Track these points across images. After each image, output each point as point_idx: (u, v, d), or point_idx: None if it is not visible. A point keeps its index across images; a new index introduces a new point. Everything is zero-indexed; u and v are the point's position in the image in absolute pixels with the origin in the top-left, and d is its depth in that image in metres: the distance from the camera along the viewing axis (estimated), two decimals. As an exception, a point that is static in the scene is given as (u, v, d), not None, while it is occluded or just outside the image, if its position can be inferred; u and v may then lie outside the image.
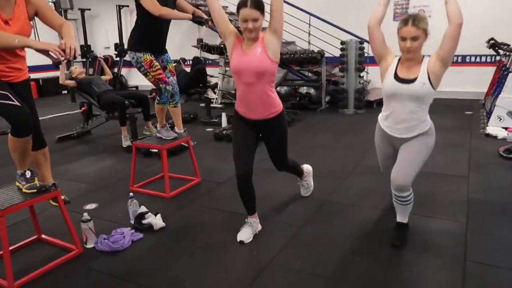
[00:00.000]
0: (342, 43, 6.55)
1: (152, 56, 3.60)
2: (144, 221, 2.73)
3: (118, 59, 10.12)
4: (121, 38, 10.24)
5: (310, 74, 7.36)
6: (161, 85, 3.69)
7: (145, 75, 3.66)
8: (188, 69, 6.98)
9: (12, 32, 2.20)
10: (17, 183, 2.43)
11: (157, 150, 4.10)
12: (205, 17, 3.51)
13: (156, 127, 3.96)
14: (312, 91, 7.30)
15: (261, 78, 2.30)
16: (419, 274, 2.14)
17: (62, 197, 2.79)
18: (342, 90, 6.64)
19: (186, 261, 2.37)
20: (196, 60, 6.81)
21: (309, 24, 7.27)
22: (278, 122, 2.49)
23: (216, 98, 7.46)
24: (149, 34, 3.55)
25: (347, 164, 3.96)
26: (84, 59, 9.36)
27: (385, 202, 2.95)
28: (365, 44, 6.43)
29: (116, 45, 10.34)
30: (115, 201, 3.26)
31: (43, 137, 2.73)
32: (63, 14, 9.64)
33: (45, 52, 2.09)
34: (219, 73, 7.91)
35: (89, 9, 10.85)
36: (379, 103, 3.91)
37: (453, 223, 2.69)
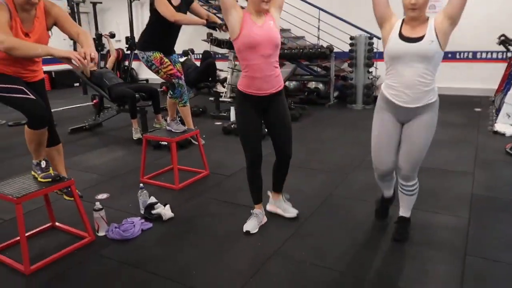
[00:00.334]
0: (352, 38, 6.55)
1: (161, 54, 3.68)
2: (154, 211, 2.82)
3: (128, 52, 10.22)
4: (132, 31, 10.33)
5: (319, 69, 7.38)
6: (173, 80, 3.77)
7: (157, 72, 3.75)
8: (197, 63, 7.06)
9: (31, 41, 2.30)
10: (32, 173, 2.54)
11: (166, 143, 4.19)
12: (219, 21, 3.56)
13: (166, 120, 4.06)
14: (320, 86, 7.33)
15: (277, 49, 2.39)
16: (419, 267, 2.19)
17: (77, 192, 2.91)
18: (351, 85, 6.66)
19: (194, 250, 2.45)
20: (206, 54, 6.88)
21: (319, 19, 7.27)
22: (282, 97, 2.55)
23: (225, 92, 7.52)
24: (161, 37, 3.65)
25: (353, 159, 4.01)
26: (96, 52, 9.48)
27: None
28: (375, 40, 6.43)
29: (127, 38, 10.44)
30: (126, 192, 3.36)
31: (57, 133, 2.83)
32: (75, 7, 9.76)
33: (66, 60, 2.18)
34: (229, 67, 7.96)
35: (101, 3, 10.96)
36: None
37: (456, 218, 2.73)
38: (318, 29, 7.32)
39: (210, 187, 3.47)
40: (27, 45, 2.20)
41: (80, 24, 10.03)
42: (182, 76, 3.93)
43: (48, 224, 2.76)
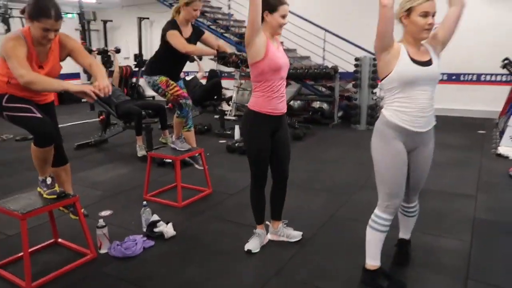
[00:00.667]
0: (356, 59, 6.63)
1: (167, 77, 3.78)
2: (156, 229, 2.84)
3: (136, 69, 10.40)
4: (141, 49, 10.53)
5: (323, 89, 7.46)
6: (181, 101, 3.84)
7: (164, 95, 3.83)
8: (203, 81, 7.17)
9: (43, 73, 2.39)
10: (38, 189, 2.58)
11: (171, 160, 4.23)
12: (229, 50, 3.65)
13: (172, 136, 4.11)
14: (325, 106, 7.38)
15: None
16: (420, 291, 2.18)
17: (82, 210, 2.94)
18: (355, 105, 6.71)
19: (195, 269, 2.46)
20: (212, 73, 7.00)
21: (324, 40, 7.39)
22: (286, 117, 2.66)
23: (230, 110, 7.60)
24: (171, 65, 3.75)
25: (357, 179, 4.02)
26: (104, 68, 9.65)
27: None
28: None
29: (135, 55, 10.64)
30: (129, 209, 3.39)
31: (65, 154, 2.88)
32: (86, 24, 10.01)
33: (82, 94, 2.26)
34: (234, 86, 8.07)
35: (111, 21, 11.22)
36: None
37: (458, 241, 2.72)
38: (324, 49, 7.43)
39: (213, 206, 3.49)
40: (45, 80, 2.29)
41: (90, 41, 10.27)
42: (189, 97, 4.00)
43: (51, 240, 2.79)
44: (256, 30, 2.27)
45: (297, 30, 6.84)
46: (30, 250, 2.38)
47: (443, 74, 7.52)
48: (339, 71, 6.89)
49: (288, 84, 6.89)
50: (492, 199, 3.47)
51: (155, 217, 2.93)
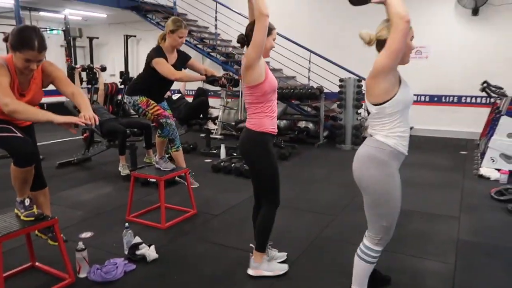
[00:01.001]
0: (341, 80, 6.74)
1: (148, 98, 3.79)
2: (138, 252, 2.77)
3: (122, 86, 10.35)
4: (127, 66, 10.52)
5: (309, 109, 7.53)
6: (161, 120, 3.83)
7: (144, 115, 3.84)
8: (190, 99, 7.15)
9: (25, 100, 2.36)
10: (15, 210, 2.49)
11: (155, 180, 4.17)
12: (217, 75, 3.68)
13: (155, 156, 4.07)
14: (310, 125, 7.44)
15: None
16: (406, 315, 2.17)
17: (61, 235, 2.85)
18: (340, 125, 6.78)
19: (177, 294, 2.39)
20: (199, 91, 6.98)
21: (309, 61, 7.50)
22: None
23: (216, 129, 7.59)
24: (156, 88, 3.78)
25: (342, 199, 4.02)
26: (90, 86, 9.56)
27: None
28: (363, 82, 6.63)
29: (121, 73, 10.61)
30: (111, 230, 3.31)
31: (44, 177, 2.80)
32: (71, 41, 9.95)
33: (66, 125, 2.23)
34: (220, 105, 8.09)
35: (97, 38, 11.20)
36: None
37: (442, 264, 2.72)
38: (309, 70, 7.53)
39: (197, 227, 3.43)
40: (30, 110, 2.26)
41: (75, 57, 10.20)
42: (170, 116, 3.99)
43: (28, 264, 2.69)
44: (261, 52, 2.32)
45: (283, 50, 6.93)
46: (5, 274, 2.29)
47: (425, 95, 7.72)
48: (324, 91, 6.98)
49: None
50: (474, 220, 3.51)
51: (137, 240, 2.86)
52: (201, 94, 6.86)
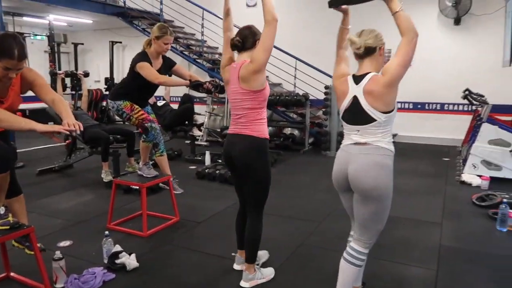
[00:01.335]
0: (326, 87, 6.78)
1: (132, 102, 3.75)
2: (118, 261, 2.71)
3: (107, 92, 10.25)
4: (112, 72, 10.43)
5: (294, 116, 7.55)
6: (146, 124, 3.79)
7: (129, 119, 3.80)
8: (175, 105, 7.10)
9: (3, 107, 2.31)
10: (-10, 219, 2.42)
11: (137, 187, 4.10)
12: (202, 80, 3.66)
13: (138, 163, 4.01)
14: (296, 132, 7.46)
15: None
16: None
17: (38, 245, 2.77)
18: (325, 132, 6.81)
19: (157, 304, 2.34)
20: (185, 97, 6.94)
21: (295, 68, 7.54)
22: None
23: (202, 136, 7.55)
24: (138, 93, 3.75)
25: (326, 206, 4.01)
26: (74, 92, 9.44)
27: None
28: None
29: (106, 79, 10.50)
30: (91, 239, 3.23)
31: (18, 184, 2.73)
32: (56, 47, 9.82)
33: (49, 134, 2.19)
34: (206, 111, 8.06)
35: (82, 44, 11.09)
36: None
37: (425, 270, 2.73)
38: (295, 77, 7.57)
39: (179, 235, 3.38)
40: (11, 118, 2.21)
41: (59, 63, 10.07)
42: (155, 121, 3.96)
43: (2, 275, 2.59)
44: (269, 56, 2.31)
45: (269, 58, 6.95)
46: (-23, 286, 2.21)
47: (409, 102, 7.83)
48: (310, 98, 7.02)
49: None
50: (456, 226, 3.54)
51: (118, 248, 2.80)
52: (186, 101, 6.81)
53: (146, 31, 8.70)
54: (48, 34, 9.60)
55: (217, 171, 5.05)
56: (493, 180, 4.67)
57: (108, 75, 10.45)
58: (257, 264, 2.63)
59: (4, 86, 2.34)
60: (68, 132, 2.21)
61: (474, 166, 4.96)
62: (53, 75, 6.69)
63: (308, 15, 8.38)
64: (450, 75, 7.36)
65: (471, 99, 5.90)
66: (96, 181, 4.92)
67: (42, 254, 2.59)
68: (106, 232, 2.88)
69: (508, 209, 3.38)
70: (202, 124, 7.60)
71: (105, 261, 2.77)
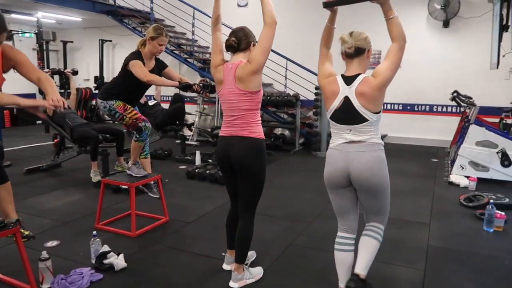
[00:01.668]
0: (317, 88, 6.81)
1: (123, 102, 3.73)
2: (106, 261, 2.68)
3: (97, 91, 10.15)
4: (102, 71, 10.35)
5: (285, 116, 7.57)
6: (140, 124, 3.77)
7: (122, 119, 3.77)
8: (166, 105, 7.06)
9: None
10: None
11: (126, 187, 4.07)
12: (191, 82, 3.65)
13: (128, 163, 3.98)
14: (286, 132, 7.47)
15: None
16: (376, 322, 2.17)
17: (27, 232, 2.74)
18: (316, 133, 6.84)
19: (145, 304, 2.32)
20: (176, 97, 6.91)
21: (286, 68, 7.56)
22: None
23: (192, 135, 7.52)
24: (129, 93, 3.72)
25: (315, 207, 4.03)
26: (63, 90, 9.33)
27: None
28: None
29: (95, 78, 10.41)
30: (78, 239, 3.19)
31: (4, 171, 2.68)
32: (44, 44, 9.70)
33: (33, 109, 2.15)
34: (197, 111, 8.03)
35: (72, 42, 10.97)
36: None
37: (412, 270, 2.75)
38: (285, 78, 7.59)
39: (168, 235, 3.36)
40: None
41: (48, 61, 9.94)
42: (148, 120, 3.94)
43: (-13, 275, 2.56)
44: (267, 57, 2.32)
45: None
46: (-39, 287, 2.17)
47: (398, 104, 7.90)
48: (301, 98, 7.04)
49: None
50: (444, 226, 3.57)
51: (106, 248, 2.78)
52: (177, 100, 6.78)
53: (136, 29, 8.64)
54: (36, 31, 9.46)
55: (207, 171, 5.04)
56: (480, 181, 4.74)
57: (97, 74, 10.36)
58: (246, 264, 2.63)
59: None
60: (53, 107, 2.15)
61: (462, 167, 5.02)
62: None
63: (299, 16, 8.40)
64: (439, 77, 7.45)
65: (459, 101, 5.96)
66: (85, 181, 4.87)
67: (31, 240, 2.59)
68: (94, 232, 2.85)
69: (494, 210, 3.43)
70: (192, 124, 7.57)
71: (93, 261, 2.74)
